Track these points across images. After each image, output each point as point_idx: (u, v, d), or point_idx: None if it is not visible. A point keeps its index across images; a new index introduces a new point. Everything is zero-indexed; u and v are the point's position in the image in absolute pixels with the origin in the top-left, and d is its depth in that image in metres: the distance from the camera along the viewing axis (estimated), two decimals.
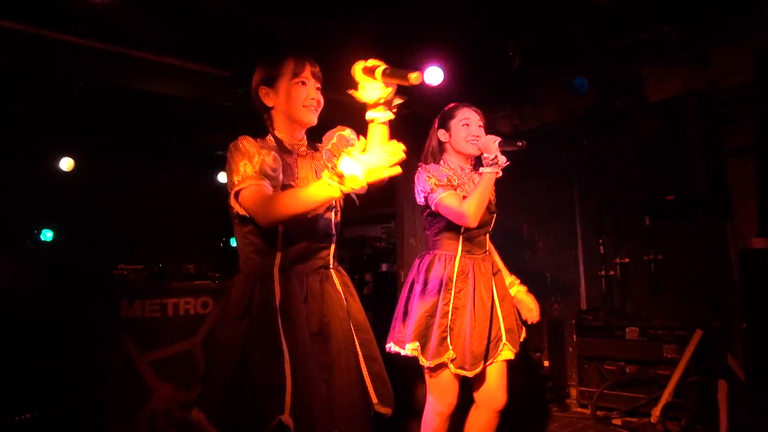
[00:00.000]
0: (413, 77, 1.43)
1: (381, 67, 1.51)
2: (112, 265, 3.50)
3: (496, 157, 2.05)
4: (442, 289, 2.09)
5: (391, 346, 2.14)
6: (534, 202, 4.70)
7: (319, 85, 1.73)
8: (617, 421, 3.51)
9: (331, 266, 1.72)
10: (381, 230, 6.25)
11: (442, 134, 2.27)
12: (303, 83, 1.68)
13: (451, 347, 2.03)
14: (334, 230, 1.72)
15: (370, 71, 1.53)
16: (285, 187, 1.60)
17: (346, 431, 1.53)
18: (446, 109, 2.31)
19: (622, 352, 3.63)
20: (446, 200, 2.08)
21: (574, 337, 3.89)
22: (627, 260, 4.10)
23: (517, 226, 4.77)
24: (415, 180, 2.19)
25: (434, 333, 2.05)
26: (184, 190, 6.18)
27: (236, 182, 1.53)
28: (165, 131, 5.07)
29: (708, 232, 3.55)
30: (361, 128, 1.69)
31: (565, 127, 4.41)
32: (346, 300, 1.69)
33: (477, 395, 2.21)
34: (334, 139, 1.79)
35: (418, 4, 3.28)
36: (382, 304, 5.09)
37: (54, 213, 5.55)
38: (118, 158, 5.82)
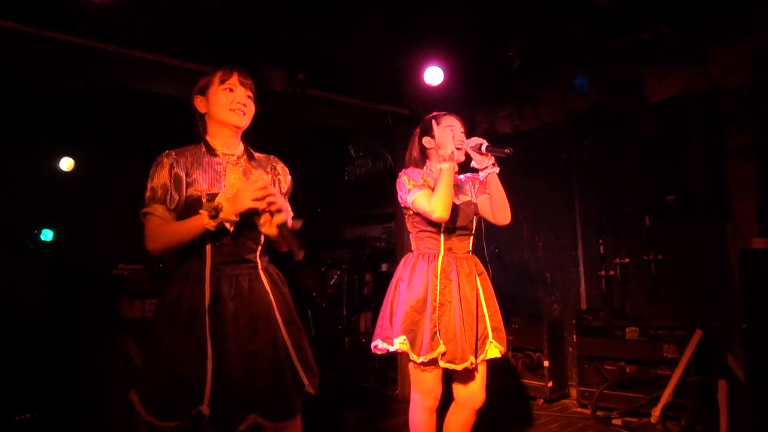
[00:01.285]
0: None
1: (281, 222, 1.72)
2: (112, 265, 3.51)
3: (452, 153, 2.15)
4: (428, 285, 2.17)
5: (378, 344, 2.21)
6: (534, 202, 4.70)
7: (249, 94, 1.88)
8: (617, 421, 3.51)
9: (259, 267, 1.86)
10: (381, 230, 6.25)
11: (427, 141, 2.35)
12: (230, 90, 1.83)
13: (441, 341, 2.09)
14: (262, 236, 1.85)
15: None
16: (210, 195, 1.75)
17: (271, 414, 1.71)
18: (427, 118, 2.41)
19: (622, 352, 3.63)
20: (419, 199, 2.19)
21: (574, 337, 3.89)
22: (627, 260, 4.09)
23: (517, 226, 4.77)
24: (397, 185, 2.30)
25: (425, 329, 2.11)
26: None
27: (145, 202, 1.76)
28: (165, 131, 5.07)
29: (708, 232, 3.55)
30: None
31: (565, 127, 4.41)
32: (274, 297, 1.83)
33: (457, 393, 2.28)
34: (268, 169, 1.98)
35: (419, 4, 3.28)
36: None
37: (54, 213, 5.54)
38: (118, 158, 5.79)
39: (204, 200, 1.74)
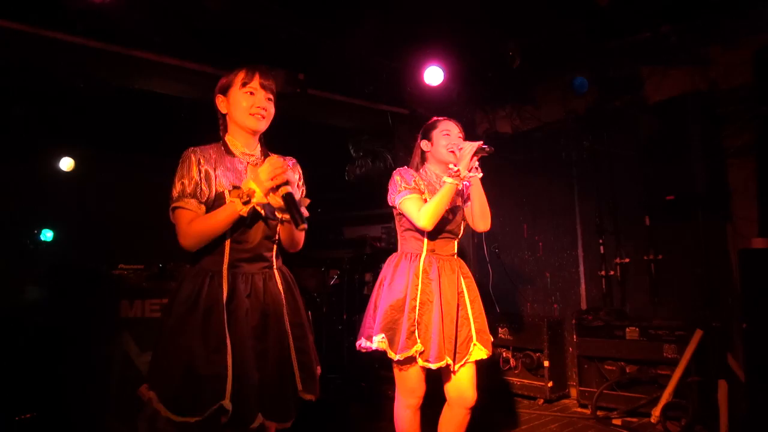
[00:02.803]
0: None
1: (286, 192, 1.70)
2: (112, 265, 3.50)
3: (458, 170, 2.15)
4: (409, 284, 2.19)
5: (362, 342, 2.23)
6: (534, 202, 4.70)
7: (270, 96, 1.87)
8: (617, 421, 3.51)
9: (274, 266, 1.89)
10: (381, 230, 6.24)
11: (425, 144, 2.39)
12: (251, 93, 1.83)
13: (419, 340, 2.11)
14: (277, 235, 1.89)
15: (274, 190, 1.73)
16: (233, 189, 1.76)
17: (271, 413, 1.73)
18: (429, 122, 2.43)
19: (622, 352, 3.63)
20: (407, 202, 2.21)
21: (574, 337, 3.89)
22: (627, 260, 4.09)
23: (517, 226, 4.77)
24: (389, 183, 2.31)
25: (403, 326, 2.13)
26: None
27: (174, 197, 1.77)
28: (165, 131, 5.07)
29: (708, 232, 3.55)
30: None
31: (565, 127, 4.41)
32: (285, 298, 1.86)
33: (448, 393, 2.29)
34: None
35: (419, 4, 3.28)
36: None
37: (54, 213, 5.54)
38: (118, 158, 5.80)
39: (228, 194, 1.76)
